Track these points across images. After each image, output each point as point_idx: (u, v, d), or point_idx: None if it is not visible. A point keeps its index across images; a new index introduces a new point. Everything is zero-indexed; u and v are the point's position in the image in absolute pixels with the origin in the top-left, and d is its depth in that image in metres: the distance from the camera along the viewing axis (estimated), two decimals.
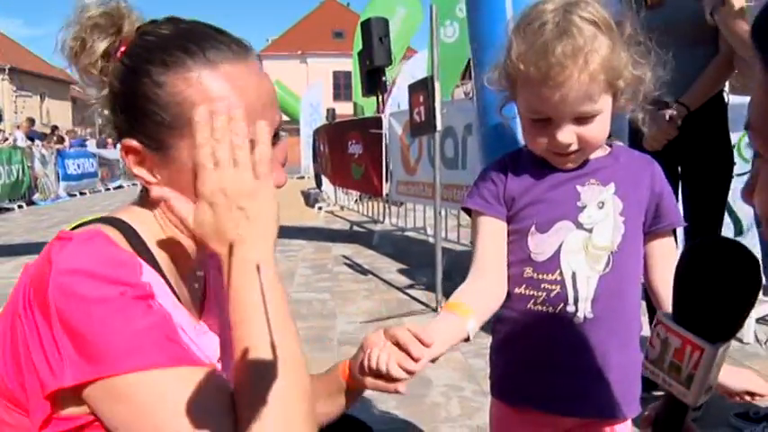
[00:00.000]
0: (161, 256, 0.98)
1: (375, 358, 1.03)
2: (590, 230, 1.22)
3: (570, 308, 1.21)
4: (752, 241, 3.86)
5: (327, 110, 13.27)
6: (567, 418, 1.27)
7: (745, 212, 3.60)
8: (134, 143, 0.93)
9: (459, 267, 5.26)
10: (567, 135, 1.15)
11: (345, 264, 6.18)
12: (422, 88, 4.45)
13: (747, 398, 1.21)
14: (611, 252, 1.22)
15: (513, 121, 1.33)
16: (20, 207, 12.84)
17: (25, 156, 13.39)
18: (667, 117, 2.55)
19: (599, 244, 1.21)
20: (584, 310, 1.21)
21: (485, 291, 1.24)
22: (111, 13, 0.94)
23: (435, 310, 4.41)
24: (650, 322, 2.68)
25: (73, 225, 0.98)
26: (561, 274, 1.22)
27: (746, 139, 2.56)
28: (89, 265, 0.84)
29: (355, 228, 8.94)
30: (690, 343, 0.67)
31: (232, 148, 0.85)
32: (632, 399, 1.28)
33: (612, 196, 1.23)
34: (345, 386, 1.15)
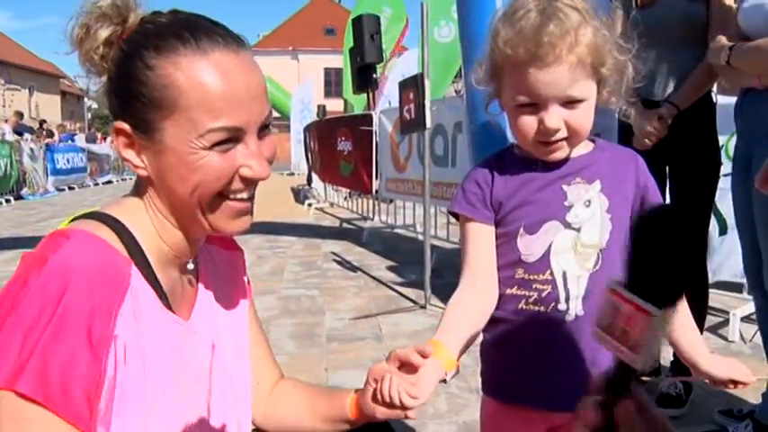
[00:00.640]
0: (153, 255, 1.00)
1: (387, 390, 1.07)
2: (578, 229, 1.23)
3: (561, 306, 1.23)
4: (733, 237, 3.90)
5: (318, 106, 13.26)
6: (558, 414, 1.28)
7: (728, 211, 3.63)
8: (124, 126, 0.96)
9: (448, 265, 5.27)
10: (555, 119, 1.16)
11: (335, 260, 6.18)
12: (412, 86, 4.45)
13: (731, 386, 1.24)
14: (600, 249, 1.23)
15: (501, 117, 1.34)
16: (8, 201, 12.75)
17: (14, 150, 13.30)
18: (657, 116, 2.57)
19: (587, 242, 1.23)
20: (575, 308, 1.23)
21: (479, 300, 1.26)
22: (119, 4, 0.96)
23: (424, 307, 4.41)
24: None
25: (69, 219, 1.00)
26: (552, 274, 1.23)
27: (734, 140, 2.57)
28: (78, 276, 0.86)
29: (345, 225, 8.94)
30: (639, 309, 0.69)
31: None
32: None
33: (599, 194, 1.24)
34: (352, 420, 1.19)
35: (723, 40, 2.35)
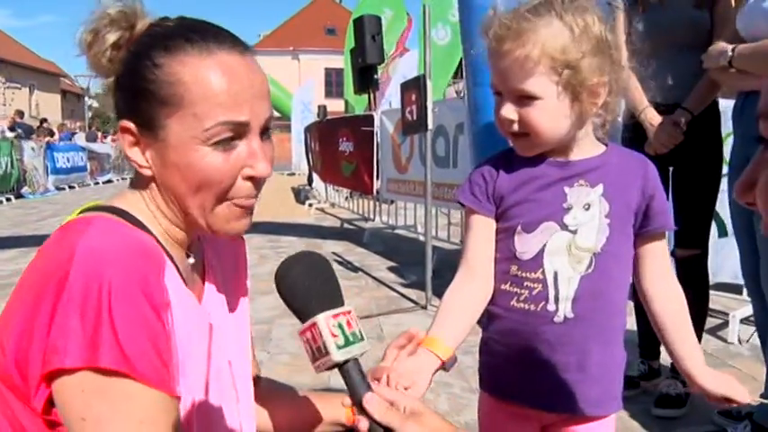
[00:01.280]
0: (165, 242, 1.02)
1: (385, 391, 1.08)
2: (574, 232, 1.23)
3: (551, 306, 1.23)
4: (732, 239, 3.89)
5: (319, 107, 13.24)
6: (547, 413, 1.30)
7: (728, 213, 3.64)
8: (130, 124, 0.98)
9: (448, 265, 5.27)
10: (507, 110, 1.19)
11: (336, 261, 6.18)
12: (414, 87, 4.46)
13: (725, 403, 1.23)
14: (594, 253, 1.23)
15: None
16: (8, 200, 12.76)
17: (14, 148, 13.31)
18: (672, 122, 2.57)
19: (582, 245, 1.23)
20: (565, 309, 1.23)
21: (474, 292, 1.27)
22: (128, 11, 0.99)
23: (425, 307, 4.42)
24: (638, 322, 2.72)
25: (76, 212, 1.00)
26: (543, 273, 1.23)
27: (730, 141, 2.57)
28: (116, 253, 0.87)
29: (346, 225, 8.94)
30: (311, 327, 0.90)
31: None
32: (612, 397, 1.30)
33: (600, 198, 1.23)
34: (348, 425, 1.22)
35: (722, 43, 2.35)
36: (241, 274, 1.26)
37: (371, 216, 8.66)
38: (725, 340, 3.63)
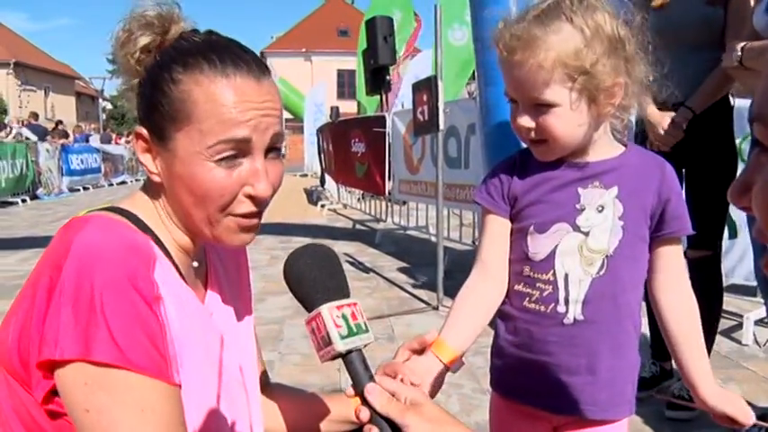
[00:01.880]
0: (168, 244, 1.04)
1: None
2: (587, 233, 1.22)
3: (561, 308, 1.23)
4: (744, 241, 3.87)
5: (331, 108, 13.27)
6: (557, 415, 1.29)
7: (739, 214, 3.62)
8: (143, 131, 1.01)
9: (460, 266, 5.27)
10: (525, 119, 1.19)
11: (348, 262, 6.19)
12: (426, 87, 4.46)
13: (728, 424, 1.20)
14: (606, 256, 1.22)
15: None
16: (23, 201, 12.87)
17: (29, 150, 13.43)
18: (670, 120, 2.56)
19: (594, 247, 1.22)
20: (575, 311, 1.22)
21: (487, 292, 1.27)
22: (164, 16, 1.01)
23: (436, 308, 4.42)
24: (650, 323, 2.71)
25: (84, 212, 1.03)
26: (554, 274, 1.23)
27: (748, 142, 2.56)
28: (107, 249, 0.89)
29: (358, 226, 8.95)
30: (316, 317, 0.91)
31: None
32: (624, 401, 1.28)
33: (614, 200, 1.22)
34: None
35: (735, 41, 2.33)
36: (243, 281, 1.27)
37: (383, 217, 8.67)
38: (739, 342, 3.60)
